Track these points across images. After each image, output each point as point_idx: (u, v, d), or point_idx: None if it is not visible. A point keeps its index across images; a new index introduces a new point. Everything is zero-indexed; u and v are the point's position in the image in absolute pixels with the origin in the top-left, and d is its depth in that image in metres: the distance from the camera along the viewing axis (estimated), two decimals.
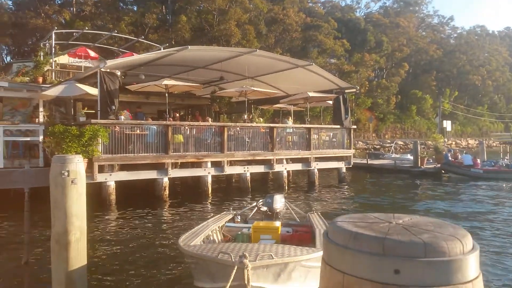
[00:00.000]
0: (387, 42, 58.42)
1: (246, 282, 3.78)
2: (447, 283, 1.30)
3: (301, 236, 6.30)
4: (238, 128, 14.38)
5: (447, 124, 46.73)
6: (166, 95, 14.20)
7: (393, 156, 25.81)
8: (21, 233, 6.61)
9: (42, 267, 5.89)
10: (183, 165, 14.02)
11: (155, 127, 12.54)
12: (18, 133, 13.53)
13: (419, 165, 20.56)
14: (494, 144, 25.66)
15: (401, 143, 44.52)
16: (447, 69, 66.44)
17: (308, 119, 18.38)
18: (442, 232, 1.42)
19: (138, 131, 12.16)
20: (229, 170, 13.94)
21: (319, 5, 63.91)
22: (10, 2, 46.22)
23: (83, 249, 4.76)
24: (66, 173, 4.61)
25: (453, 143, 50.44)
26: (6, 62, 41.29)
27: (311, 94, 16.28)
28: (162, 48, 21.93)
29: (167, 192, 12.54)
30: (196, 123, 14.23)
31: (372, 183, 18.79)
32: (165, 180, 12.53)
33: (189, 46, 13.33)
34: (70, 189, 4.63)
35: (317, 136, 16.65)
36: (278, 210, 7.25)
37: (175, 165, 13.15)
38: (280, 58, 16.65)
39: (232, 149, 13.85)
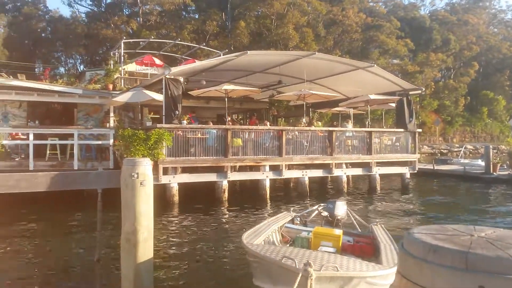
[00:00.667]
0: (454, 40, 55.05)
1: None
2: None
3: (362, 247, 6.11)
4: (296, 132, 14.32)
5: None
6: (226, 99, 14.52)
7: (462, 161, 24.20)
8: (93, 232, 7.08)
9: (112, 264, 6.27)
10: (242, 169, 14.23)
11: (215, 131, 12.86)
12: (91, 137, 14.57)
13: (492, 172, 19.09)
14: None
15: (471, 147, 41.65)
16: None
17: (369, 122, 17.82)
18: None
19: (199, 134, 12.55)
20: (287, 174, 13.92)
21: (381, 4, 61.82)
22: (83, 15, 49.95)
23: (150, 248, 5.00)
24: (135, 175, 4.87)
25: None
26: (80, 70, 44.75)
27: (372, 96, 15.79)
28: (222, 54, 22.50)
29: (226, 194, 12.80)
30: (254, 127, 14.38)
31: (440, 191, 17.75)
32: (225, 183, 12.79)
33: (248, 51, 13.52)
34: (139, 190, 4.88)
35: (379, 140, 16.10)
36: (339, 217, 7.09)
37: (234, 168, 13.38)
38: (339, 60, 16.34)
39: (290, 153, 13.81)
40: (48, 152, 13.38)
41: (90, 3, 49.30)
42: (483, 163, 20.55)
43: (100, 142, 14.06)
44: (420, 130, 18.09)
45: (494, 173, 19.06)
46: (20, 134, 13.64)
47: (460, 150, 30.73)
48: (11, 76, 16.19)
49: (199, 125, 13.85)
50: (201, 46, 28.38)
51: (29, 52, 44.76)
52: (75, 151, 12.76)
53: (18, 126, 15.05)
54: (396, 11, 59.46)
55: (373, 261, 5.30)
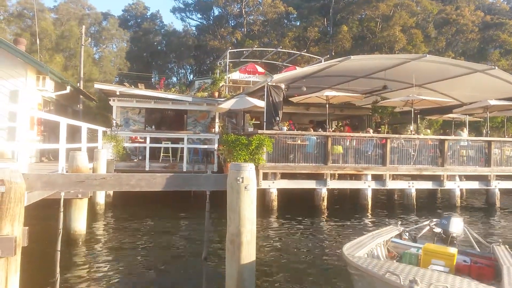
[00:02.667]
0: None
1: None
2: None
3: (481, 269, 5.44)
4: (402, 140, 13.48)
5: None
6: (327, 106, 14.31)
7: None
8: (201, 232, 7.49)
9: (218, 263, 6.56)
10: (341, 177, 13.85)
11: (315, 137, 12.75)
12: (198, 141, 15.59)
13: None
14: None
15: None
16: None
17: (487, 131, 16.02)
18: None
19: (299, 141, 12.56)
20: (391, 184, 13.15)
21: (502, 0, 55.47)
22: (193, 28, 53.99)
23: (252, 250, 5.11)
24: (240, 180, 5.03)
25: None
26: (189, 80, 48.39)
27: (492, 102, 14.18)
28: (323, 60, 22.32)
29: (325, 202, 12.57)
30: (357, 134, 13.91)
31: None
32: (324, 190, 12.58)
33: (351, 56, 13.15)
34: (244, 194, 5.03)
35: (500, 151, 14.36)
36: (454, 235, 6.42)
37: (333, 176, 13.10)
38: (454, 63, 14.97)
39: (395, 162, 13.05)
40: (162, 154, 14.66)
41: (200, 16, 53.17)
42: None
43: (206, 146, 14.97)
44: None
45: None
46: (138, 138, 15.20)
47: None
48: (132, 86, 18.18)
49: (299, 131, 13.87)
50: (302, 53, 28.52)
51: (147, 63, 49.85)
52: (185, 154, 13.78)
53: (137, 130, 16.78)
54: None
55: (494, 285, 4.69)
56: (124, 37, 48.87)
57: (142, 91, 16.56)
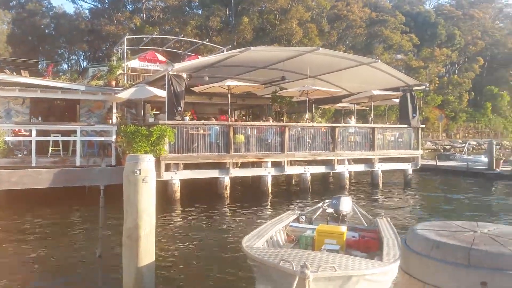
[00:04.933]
0: (459, 35, 54.72)
1: None
2: None
3: (367, 242, 6.09)
4: (299, 128, 14.29)
5: None
6: (229, 95, 14.49)
7: (465, 157, 24.11)
8: (95, 228, 7.09)
9: (114, 261, 6.29)
10: (244, 165, 14.22)
11: (217, 127, 12.85)
12: (93, 133, 14.60)
13: (494, 168, 19.00)
14: None
15: (474, 143, 41.48)
16: None
17: (372, 118, 17.77)
18: None
19: (201, 131, 12.54)
20: (289, 170, 13.90)
21: None
22: (87, 11, 49.99)
23: (151, 244, 5.01)
24: (138, 172, 4.87)
25: None
26: (83, 67, 44.84)
27: (376, 92, 15.72)
28: (225, 50, 22.46)
29: (228, 191, 12.80)
30: (257, 123, 14.35)
31: (442, 187, 17.69)
32: (227, 179, 12.79)
33: (251, 47, 13.48)
34: (142, 187, 4.88)
35: (382, 136, 16.05)
36: (344, 213, 7.07)
37: (236, 165, 13.38)
38: (343, 56, 16.26)
39: (292, 149, 13.79)
40: (50, 148, 13.43)
41: None
42: (486, 159, 20.46)
43: (102, 139, 14.09)
44: (423, 126, 18.02)
45: (497, 169, 18.97)
46: (22, 131, 13.70)
47: (464, 146, 30.59)
48: (14, 73, 16.24)
49: (201, 121, 13.84)
50: (204, 42, 28.34)
51: (33, 48, 44.87)
52: (78, 147, 12.79)
53: (21, 122, 15.10)
54: (401, 5, 59.08)
55: (378, 255, 5.28)
56: (4, 19, 43.23)
57: (26, 79, 14.88)
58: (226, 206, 12.03)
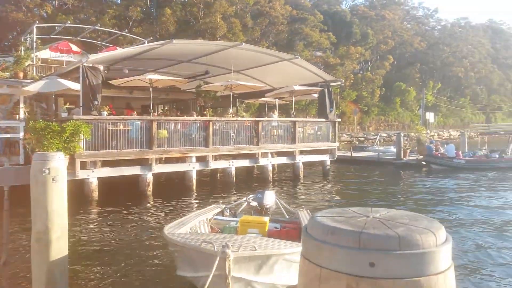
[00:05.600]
0: (372, 34, 58.74)
1: (227, 273, 3.76)
2: (420, 274, 1.32)
3: (288, 232, 6.33)
4: (223, 122, 14.33)
5: (430, 116, 47.48)
6: (150, 89, 14.04)
7: (376, 148, 26.09)
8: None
9: (22, 267, 5.81)
10: (168, 161, 13.92)
11: (139, 122, 12.40)
12: None
13: (402, 157, 20.84)
14: (474, 135, 26.31)
15: (385, 135, 45.01)
16: (431, 61, 67.21)
17: (293, 113, 18.42)
18: (417, 225, 1.44)
19: (121, 126, 12.01)
20: (214, 164, 13.90)
21: None
22: None
23: (64, 247, 4.71)
24: (47, 171, 4.54)
25: (436, 134, 51.26)
26: None
27: (296, 87, 16.30)
28: (146, 42, 21.65)
29: (151, 188, 12.44)
30: (181, 118, 14.11)
31: (356, 176, 18.98)
32: (149, 176, 12.42)
33: (174, 40, 13.17)
34: (51, 187, 4.55)
35: (302, 130, 16.71)
36: (268, 206, 7.29)
37: (159, 161, 13.05)
38: (266, 52, 16.60)
39: (217, 144, 13.80)
40: None
41: None
42: (395, 150, 22.34)
43: (8, 136, 12.85)
44: (339, 119, 19.10)
45: (404, 159, 20.83)
46: None
47: (375, 138, 33.06)
48: None
49: (121, 116, 13.25)
50: (124, 33, 27.04)
51: None
52: None
53: None
54: (320, 4, 61.72)
55: (298, 244, 5.52)
56: None
57: None
58: (148, 204, 11.70)
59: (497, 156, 19.50)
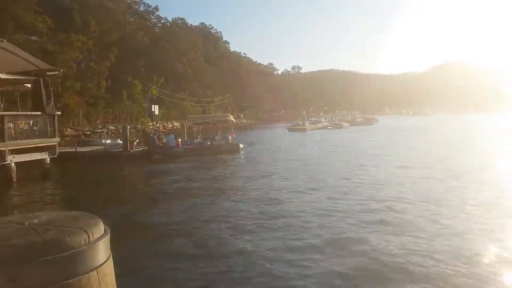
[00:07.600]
0: (95, 24, 56.47)
1: None
2: (70, 276, 1.31)
3: None
4: None
5: (155, 109, 50.26)
6: None
7: (104, 141, 25.50)
8: None
9: None
10: None
11: None
12: None
13: (129, 149, 21.23)
14: (192, 125, 29.82)
15: (113, 128, 44.60)
16: (154, 56, 70.88)
17: (1, 106, 15.66)
18: (71, 226, 1.43)
19: None
20: None
21: None
22: None
23: None
24: None
25: (161, 125, 54.85)
26: None
27: (2, 76, 13.88)
28: None
29: None
30: None
31: (81, 173, 18.00)
32: None
33: None
34: None
35: (14, 125, 14.47)
36: None
37: None
38: None
39: None
40: None
41: None
42: (121, 142, 22.50)
43: None
44: (59, 112, 17.59)
45: (132, 150, 21.29)
46: None
47: (103, 131, 32.30)
48: None
49: None
50: None
51: None
52: None
53: None
54: None
55: None
56: None
57: None
58: None
59: (208, 143, 22.66)
